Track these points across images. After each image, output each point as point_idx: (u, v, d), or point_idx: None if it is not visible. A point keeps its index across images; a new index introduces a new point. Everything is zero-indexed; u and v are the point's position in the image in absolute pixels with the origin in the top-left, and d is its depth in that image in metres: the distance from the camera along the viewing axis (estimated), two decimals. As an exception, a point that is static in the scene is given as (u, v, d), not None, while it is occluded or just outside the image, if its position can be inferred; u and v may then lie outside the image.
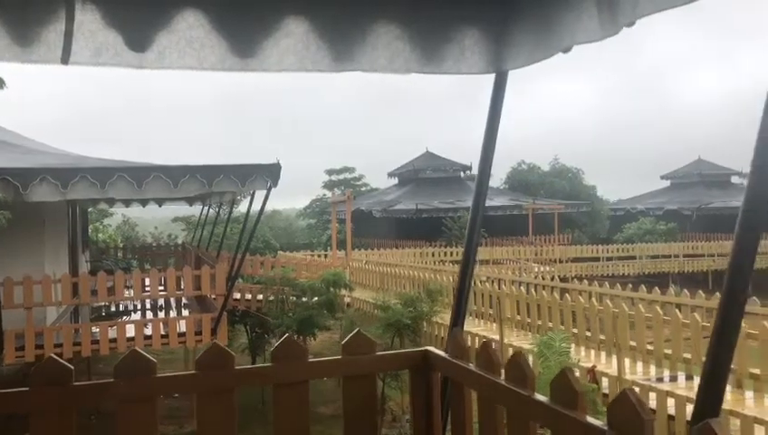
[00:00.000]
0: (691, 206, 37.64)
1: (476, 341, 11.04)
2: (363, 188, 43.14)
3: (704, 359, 1.93)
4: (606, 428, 1.77)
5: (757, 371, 7.29)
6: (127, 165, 10.04)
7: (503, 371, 2.33)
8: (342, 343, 2.71)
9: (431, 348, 2.86)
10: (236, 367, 2.51)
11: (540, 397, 2.09)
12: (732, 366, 7.54)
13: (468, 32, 2.85)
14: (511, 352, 10.02)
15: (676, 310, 8.73)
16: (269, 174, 9.66)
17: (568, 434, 1.95)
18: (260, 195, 10.36)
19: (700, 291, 10.98)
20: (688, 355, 8.05)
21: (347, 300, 14.94)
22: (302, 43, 2.55)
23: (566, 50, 2.51)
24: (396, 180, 41.56)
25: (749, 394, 7.47)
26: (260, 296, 13.98)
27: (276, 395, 2.56)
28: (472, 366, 2.52)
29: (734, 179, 43.85)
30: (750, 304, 9.70)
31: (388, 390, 10.08)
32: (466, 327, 12.03)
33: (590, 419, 1.87)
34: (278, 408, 2.57)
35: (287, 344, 2.58)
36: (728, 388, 7.59)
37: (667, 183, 45.15)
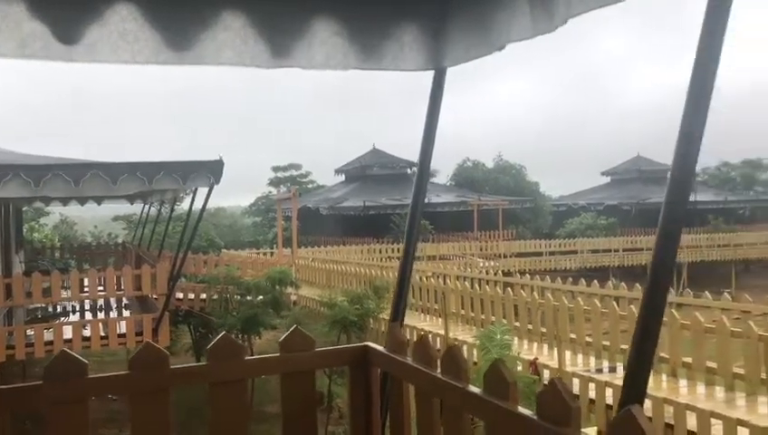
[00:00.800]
0: (630, 201, 38.78)
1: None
2: (310, 186, 42.95)
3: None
4: (536, 417, 1.81)
5: (689, 359, 7.57)
6: (63, 162, 9.74)
7: (439, 364, 2.36)
8: (280, 340, 2.69)
9: (371, 344, 2.86)
10: (171, 366, 2.47)
11: (474, 389, 2.12)
12: (666, 356, 7.83)
13: (407, 28, 2.86)
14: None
15: (614, 303, 8.98)
16: (211, 171, 9.51)
17: (500, 424, 1.98)
18: (203, 192, 10.20)
19: (638, 284, 11.31)
20: (626, 346, 8.29)
21: (293, 298, 14.84)
22: (240, 37, 2.53)
23: (500, 48, 2.56)
24: (343, 177, 41.50)
25: (683, 382, 7.74)
26: (203, 296, 13.76)
27: (212, 394, 2.53)
28: (409, 360, 2.54)
29: (671, 175, 45.24)
30: (684, 295, 10.07)
31: (335, 387, 10.07)
32: (413, 323, 12.14)
33: (521, 409, 1.91)
34: (215, 407, 2.54)
35: (223, 342, 2.55)
36: (663, 377, 7.90)
37: (607, 179, 46.41)
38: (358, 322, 10.20)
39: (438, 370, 2.34)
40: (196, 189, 10.84)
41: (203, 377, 2.57)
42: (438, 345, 10.52)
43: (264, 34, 2.53)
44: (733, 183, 46.34)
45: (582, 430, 2.02)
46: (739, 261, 32.84)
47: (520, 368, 8.59)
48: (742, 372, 7.00)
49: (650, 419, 6.95)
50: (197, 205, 10.67)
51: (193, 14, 2.44)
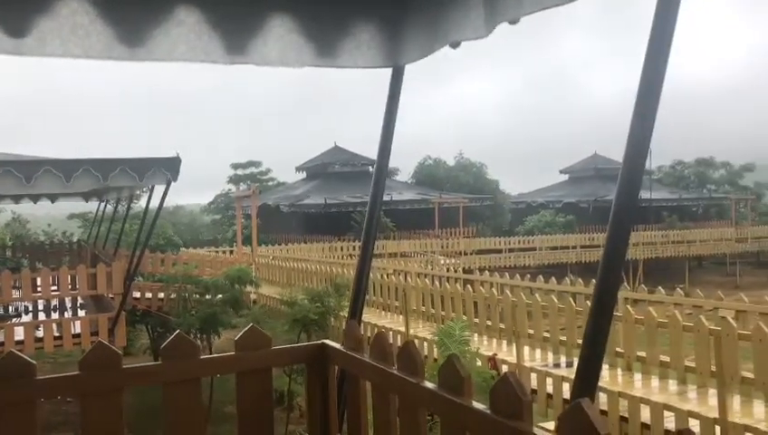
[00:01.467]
0: (587, 199, 39.43)
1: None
2: (270, 183, 42.64)
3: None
4: (489, 411, 1.83)
5: (643, 354, 7.73)
6: (13, 159, 9.48)
7: (395, 360, 2.37)
8: (236, 338, 2.67)
9: (328, 341, 2.86)
10: (124, 366, 2.43)
11: (429, 384, 2.14)
12: (621, 350, 7.98)
13: (364, 26, 2.87)
14: (416, 343, 10.20)
15: (571, 299, 9.12)
16: (168, 168, 9.36)
17: (454, 418, 2.00)
18: (161, 190, 10.04)
19: (594, 280, 11.52)
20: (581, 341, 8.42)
21: (253, 297, 14.72)
22: (194, 33, 2.51)
23: (455, 45, 2.58)
24: (304, 175, 41.31)
25: (638, 376, 7.90)
26: (161, 295, 13.56)
27: (167, 394, 2.49)
28: (366, 357, 2.54)
29: (627, 174, 46.21)
30: (639, 291, 10.29)
31: (295, 386, 10.02)
32: (375, 320, 12.15)
33: (475, 403, 1.93)
34: (169, 407, 2.51)
35: (177, 341, 2.52)
36: (619, 371, 8.05)
37: (565, 177, 47.11)
38: (318, 320, 10.16)
39: (395, 366, 2.35)
40: (153, 187, 10.67)
41: (156, 377, 2.53)
42: (399, 342, 10.56)
43: (219, 30, 2.52)
44: (686, 181, 47.49)
45: (541, 424, 2.05)
46: (692, 257, 33.72)
47: (479, 364, 8.68)
48: (693, 365, 7.18)
49: (606, 412, 7.09)
50: (155, 202, 10.52)
51: (146, 9, 2.41)
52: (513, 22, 2.26)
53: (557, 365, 8.58)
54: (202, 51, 2.53)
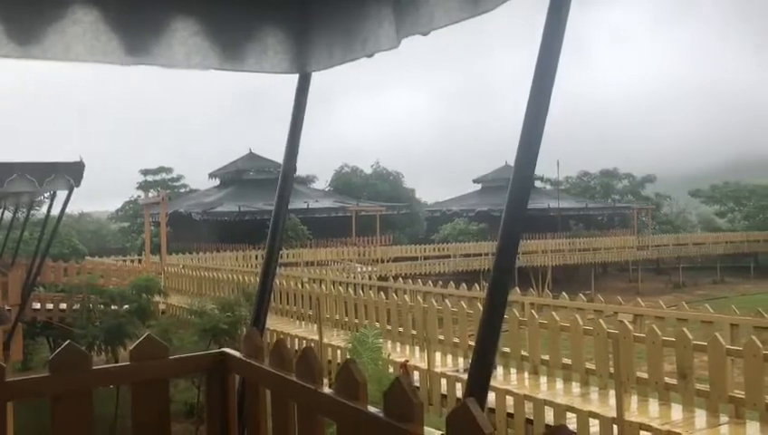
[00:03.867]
0: (498, 207, 40.44)
1: (296, 342, 11.07)
2: (182, 190, 41.57)
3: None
4: (382, 414, 1.85)
5: (547, 357, 7.99)
6: None
7: (294, 367, 2.36)
8: (130, 348, 2.59)
9: (228, 350, 2.81)
10: (7, 380, 2.31)
11: (327, 390, 2.14)
12: (526, 354, 8.21)
13: (271, 31, 2.86)
14: (330, 351, 10.17)
15: (479, 305, 9.33)
16: (70, 173, 8.98)
17: (349, 423, 2.01)
18: (64, 196, 9.62)
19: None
20: (507, 349, 8.57)
21: (162, 307, 14.31)
22: (92, 32, 2.43)
23: (369, 55, 2.61)
24: (217, 182, 40.48)
25: (543, 379, 8.17)
26: (64, 306, 12.99)
27: (55, 408, 2.38)
28: (266, 365, 2.52)
29: (538, 184, 47.98)
30: (544, 296, 10.65)
31: (204, 396, 9.78)
32: (289, 329, 12.04)
33: (370, 407, 1.94)
34: (57, 423, 2.39)
35: (66, 352, 2.41)
36: (526, 374, 8.29)
37: (478, 186, 48.26)
38: (229, 330, 9.98)
39: (293, 373, 2.34)
40: (54, 193, 10.20)
41: (43, 390, 2.41)
42: (312, 351, 10.49)
43: (119, 31, 2.45)
44: (592, 191, 49.59)
45: None
46: (598, 264, 35.20)
47: (392, 370, 8.75)
48: (593, 367, 7.49)
49: (512, 415, 7.29)
50: (57, 209, 10.06)
51: (38, 5, 2.32)
52: (425, 33, 2.31)
53: (466, 370, 8.75)
54: (101, 51, 2.45)
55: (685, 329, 6.82)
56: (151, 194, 33.91)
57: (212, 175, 40.55)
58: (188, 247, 27.65)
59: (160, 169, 40.78)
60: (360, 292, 11.66)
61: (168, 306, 15.03)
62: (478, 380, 2.07)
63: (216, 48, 2.69)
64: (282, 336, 11.45)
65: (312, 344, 10.58)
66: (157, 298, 12.85)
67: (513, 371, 8.42)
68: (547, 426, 7.02)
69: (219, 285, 15.50)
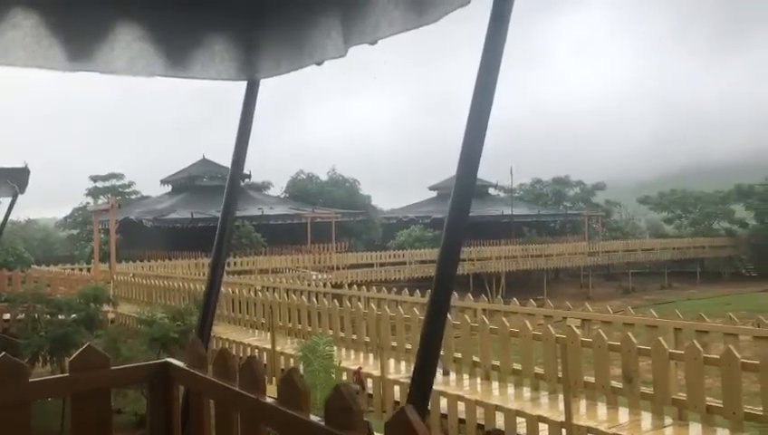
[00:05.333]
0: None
1: (248, 351, 10.95)
2: (134, 196, 40.76)
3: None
4: (323, 423, 1.86)
5: (498, 362, 8.09)
6: None
7: (238, 376, 2.34)
8: (69, 359, 2.53)
9: (171, 359, 2.78)
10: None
11: (269, 399, 2.13)
12: (478, 359, 8.28)
13: (218, 38, 2.84)
14: (282, 360, 10.09)
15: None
16: (14, 179, 8.72)
17: (291, 432, 2.01)
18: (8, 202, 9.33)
19: (454, 292, 11.94)
20: (443, 352, 8.68)
21: (111, 316, 14.00)
22: (32, 36, 2.38)
23: (318, 63, 2.62)
24: (170, 188, 39.81)
25: (495, 384, 8.26)
26: (7, 316, 12.60)
27: (-11, 422, 2.32)
28: (209, 375, 2.50)
29: (492, 191, 48.62)
30: (496, 302, 10.77)
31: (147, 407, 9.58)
32: (241, 338, 11.89)
33: (312, 416, 1.95)
34: (-8, 436, 2.33)
35: (0, 364, 2.35)
36: (478, 380, 8.36)
37: (434, 193, 48.58)
38: (179, 339, 9.81)
39: (237, 382, 2.32)
40: (-3, 199, 9.90)
41: None
42: (265, 360, 10.41)
43: (60, 36, 2.41)
44: (545, 198, 50.42)
45: None
46: (550, 270, 35.80)
47: (345, 377, 8.73)
48: (542, 371, 7.61)
49: (464, 421, 7.35)
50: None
51: None
52: (372, 43, 2.34)
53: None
54: (42, 56, 2.41)
55: (630, 334, 7.00)
56: (101, 201, 33.19)
57: (164, 181, 39.85)
58: (139, 255, 27.11)
59: (111, 176, 39.91)
60: (314, 299, 11.62)
61: (118, 315, 14.73)
62: (420, 386, 2.09)
63: (161, 54, 2.66)
64: (234, 345, 11.33)
65: (265, 353, 10.49)
66: (105, 307, 12.58)
67: (465, 376, 8.49)
68: (479, 426, 7.12)
69: (170, 294, 15.25)
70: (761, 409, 5.86)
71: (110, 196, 31.82)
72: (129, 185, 41.04)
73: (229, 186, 3.25)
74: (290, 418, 1.98)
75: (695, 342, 6.56)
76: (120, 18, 2.55)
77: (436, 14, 2.04)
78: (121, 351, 9.26)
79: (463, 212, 2.11)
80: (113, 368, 2.62)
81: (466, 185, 2.12)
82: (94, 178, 39.30)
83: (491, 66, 2.08)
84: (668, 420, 6.57)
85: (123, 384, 3.02)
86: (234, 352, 10.11)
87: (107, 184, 39.46)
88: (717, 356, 6.17)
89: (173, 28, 2.69)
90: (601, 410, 7.06)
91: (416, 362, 2.13)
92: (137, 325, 12.69)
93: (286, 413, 1.99)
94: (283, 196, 42.12)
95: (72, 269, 21.56)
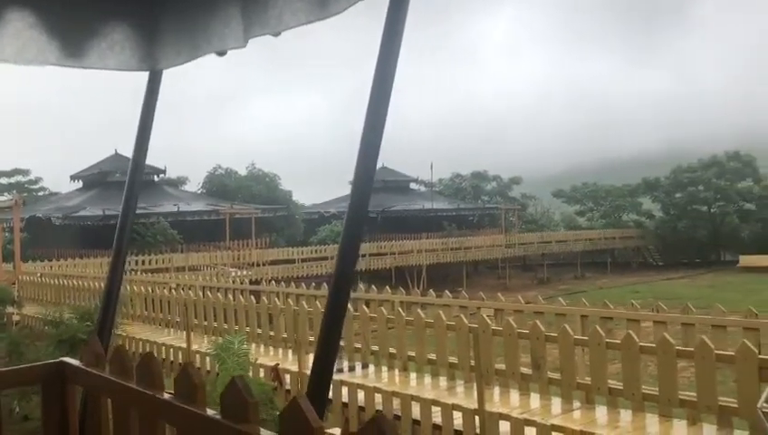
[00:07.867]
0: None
1: (162, 350, 10.70)
2: (41, 193, 38.95)
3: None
4: (219, 416, 1.85)
5: (413, 353, 8.20)
6: None
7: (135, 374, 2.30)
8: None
9: (67, 359, 2.69)
10: None
11: (166, 395, 2.10)
12: (394, 351, 8.38)
13: (117, 27, 2.77)
14: (198, 358, 9.89)
15: (350, 305, 9.42)
16: None
17: (188, 427, 1.99)
18: None
19: (373, 286, 12.04)
20: (376, 347, 8.66)
21: (16, 318, 13.37)
22: None
23: (220, 53, 2.59)
24: (80, 184, 38.23)
25: (413, 375, 8.36)
26: None
27: None
28: (106, 373, 2.43)
29: (413, 186, 49.20)
30: (413, 294, 10.90)
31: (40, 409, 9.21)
32: (155, 337, 11.58)
33: (208, 410, 1.94)
34: None
35: None
36: (396, 371, 8.45)
37: (355, 188, 48.68)
38: (88, 340, 9.46)
39: (134, 380, 2.28)
40: None
41: None
42: (180, 359, 10.18)
43: None
44: (464, 193, 51.41)
45: (327, 430, 2.11)
46: (470, 262, 36.55)
47: (262, 374, 8.65)
48: (456, 361, 7.77)
49: (380, 412, 7.42)
50: None
51: None
52: (276, 35, 2.33)
53: (340, 370, 8.80)
54: None
55: (537, 321, 7.23)
56: (3, 198, 31.52)
57: (74, 177, 38.23)
58: (48, 254, 25.93)
59: (15, 172, 38.03)
60: (230, 296, 11.44)
61: (23, 317, 14.10)
62: (321, 375, 2.11)
63: (54, 42, 2.58)
64: (148, 345, 11.03)
65: (180, 352, 10.25)
66: (9, 309, 11.99)
67: (384, 368, 8.57)
68: (395, 416, 7.22)
69: (80, 294, 14.69)
70: (656, 389, 6.19)
71: (14, 192, 30.29)
72: (36, 181, 39.25)
73: (129, 181, 3.18)
74: (187, 413, 1.96)
75: (597, 327, 6.85)
76: (9, 3, 2.45)
77: (340, 5, 2.06)
78: (25, 354, 8.85)
79: (361, 210, 2.15)
80: (2, 369, 2.52)
81: (365, 182, 2.15)
82: (-3, 175, 37.37)
83: (388, 62, 2.12)
84: (577, 404, 6.83)
85: (12, 385, 2.90)
86: (150, 352, 9.84)
87: (11, 180, 37.60)
88: (618, 341, 6.47)
89: (67, 16, 2.61)
90: (514, 396, 7.26)
91: (315, 354, 2.15)
92: (43, 327, 12.16)
93: (183, 409, 1.97)
94: (200, 191, 41.21)
95: (-27, 270, 20.38)
